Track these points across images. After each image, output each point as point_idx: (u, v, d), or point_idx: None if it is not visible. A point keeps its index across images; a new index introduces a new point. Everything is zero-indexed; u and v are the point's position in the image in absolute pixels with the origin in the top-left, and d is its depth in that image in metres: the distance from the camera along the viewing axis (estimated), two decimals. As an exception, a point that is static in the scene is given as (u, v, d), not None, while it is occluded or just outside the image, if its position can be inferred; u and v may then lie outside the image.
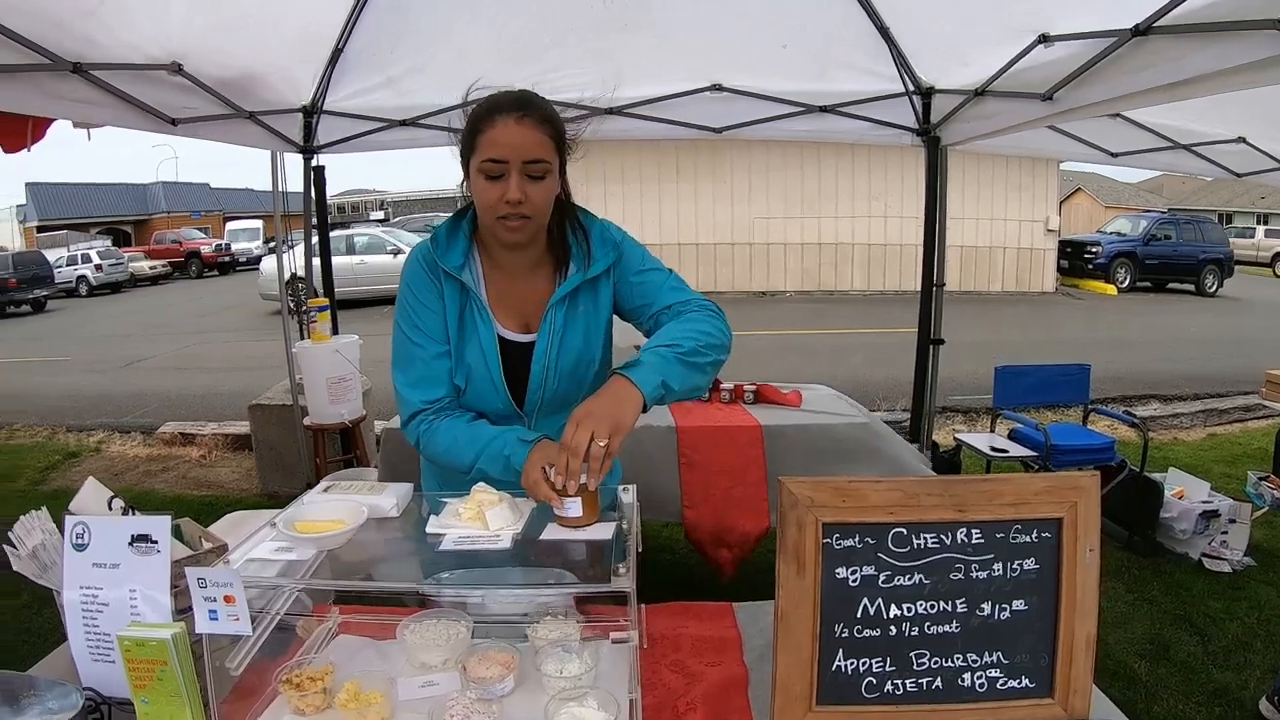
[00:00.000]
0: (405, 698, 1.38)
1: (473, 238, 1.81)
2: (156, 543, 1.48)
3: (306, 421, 4.96)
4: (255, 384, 6.94)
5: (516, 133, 1.61)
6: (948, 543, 1.29)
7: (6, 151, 5.02)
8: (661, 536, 4.62)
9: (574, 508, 1.46)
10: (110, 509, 1.66)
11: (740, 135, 4.74)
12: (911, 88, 4.23)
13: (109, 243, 33.78)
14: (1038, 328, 13.69)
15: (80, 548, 1.53)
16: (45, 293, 25.03)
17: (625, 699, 1.28)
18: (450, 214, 1.86)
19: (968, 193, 15.88)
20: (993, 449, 4.94)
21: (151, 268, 31.48)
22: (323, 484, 1.69)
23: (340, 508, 1.51)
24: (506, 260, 1.82)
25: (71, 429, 8.69)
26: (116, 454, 7.76)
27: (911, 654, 1.29)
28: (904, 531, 1.29)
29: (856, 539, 1.29)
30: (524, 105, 1.64)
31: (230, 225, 37.66)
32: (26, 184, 40.54)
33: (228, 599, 1.25)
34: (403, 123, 4.79)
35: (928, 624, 1.30)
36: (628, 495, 1.60)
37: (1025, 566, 1.30)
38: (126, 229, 42.92)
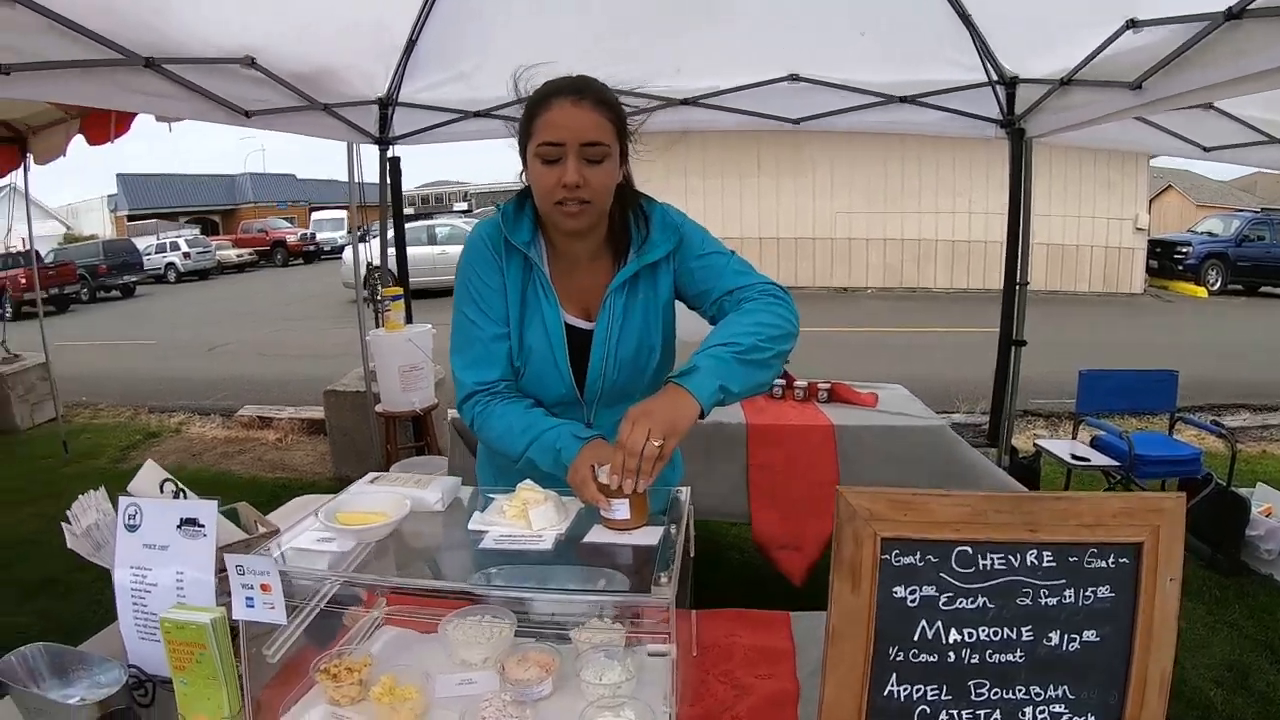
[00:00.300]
0: (442, 695, 1.35)
1: (537, 221, 1.76)
2: (203, 526, 1.50)
3: (379, 408, 5.02)
4: (333, 370, 7.05)
5: (574, 115, 1.57)
6: (1016, 565, 1.19)
7: (91, 143, 5.21)
8: (730, 535, 4.54)
9: (621, 510, 1.40)
10: (162, 491, 1.67)
11: (818, 127, 4.63)
12: (994, 77, 4.07)
13: (197, 231, 34.98)
14: (1125, 330, 13.19)
15: (132, 528, 1.55)
16: (134, 279, 26.02)
17: (663, 712, 1.22)
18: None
19: (1054, 189, 15.33)
20: (1073, 457, 4.75)
21: (238, 256, 32.42)
22: (370, 475, 1.67)
23: (384, 500, 1.49)
24: (567, 248, 1.77)
25: (154, 410, 8.99)
26: (196, 435, 8.00)
27: (970, 683, 1.20)
28: (969, 551, 1.19)
29: (917, 556, 1.20)
30: (581, 88, 1.60)
31: (315, 215, 38.38)
32: (117, 175, 42.28)
33: (264, 587, 1.23)
34: (476, 114, 4.81)
35: (990, 652, 1.19)
36: (683, 496, 1.53)
37: (1099, 594, 1.19)
38: (214, 218, 44.41)
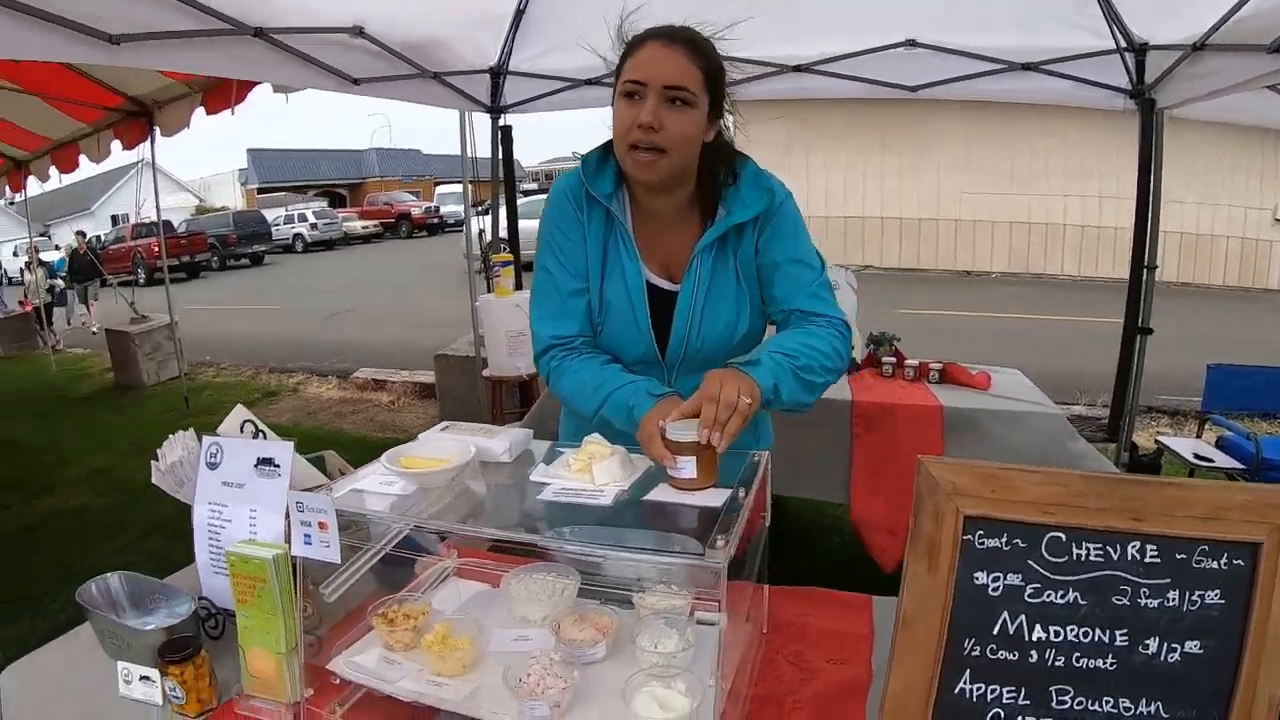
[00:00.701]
0: (496, 649, 1.32)
1: (621, 172, 1.68)
2: (279, 467, 1.52)
3: (486, 373, 5.08)
4: (448, 337, 7.20)
5: (661, 54, 1.52)
6: (1115, 558, 1.05)
7: (209, 113, 5.41)
8: (831, 517, 4.41)
9: (688, 468, 1.32)
10: (242, 432, 1.69)
11: (937, 95, 4.43)
12: (1123, 44, 3.79)
13: (324, 204, 36.32)
14: (1260, 328, 12.20)
15: (213, 466, 1.59)
16: (263, 248, 27.43)
17: (713, 688, 1.14)
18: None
19: (1187, 174, 14.29)
20: (1196, 456, 4.42)
21: (364, 228, 33.51)
22: (442, 424, 1.65)
23: (449, 447, 1.46)
24: (652, 204, 1.69)
25: (273, 370, 9.42)
26: (312, 395, 8.34)
27: (1053, 688, 1.06)
28: (1063, 537, 1.06)
29: (1004, 539, 1.07)
30: (675, 33, 1.54)
31: (440, 189, 38.94)
32: (247, 150, 44.33)
33: (321, 525, 1.22)
34: (586, 82, 4.79)
35: (1077, 655, 1.06)
36: (760, 460, 1.44)
37: (1207, 600, 1.04)
38: (341, 192, 46.09)
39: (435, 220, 34.49)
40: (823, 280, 1.72)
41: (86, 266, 14.47)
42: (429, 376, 7.54)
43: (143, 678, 1.35)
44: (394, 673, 1.29)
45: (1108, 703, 1.05)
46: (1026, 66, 4.07)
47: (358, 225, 33.47)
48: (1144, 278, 4.30)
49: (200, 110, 5.63)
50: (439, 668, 1.26)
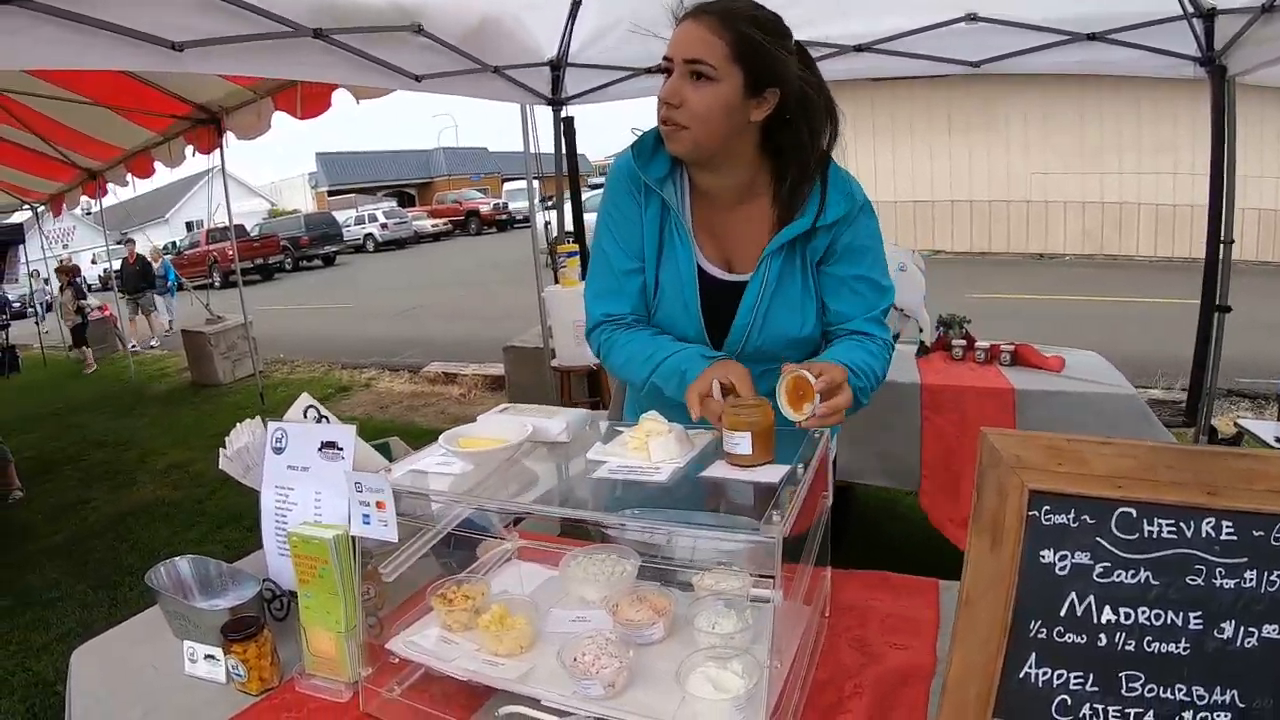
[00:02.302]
0: (554, 629, 1.31)
1: None
2: (342, 450, 1.53)
3: (554, 363, 5.09)
4: (517, 330, 7.29)
5: (686, 30, 1.50)
6: (1189, 535, 0.99)
7: (281, 109, 5.53)
8: (902, 505, 4.32)
9: (744, 444, 1.29)
10: (305, 417, 1.72)
11: (1002, 69, 4.31)
12: (1190, 9, 3.62)
13: (394, 204, 36.91)
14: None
15: (279, 450, 1.63)
16: (334, 249, 28.02)
17: (768, 665, 1.11)
18: None
19: (1266, 148, 13.65)
20: (1278, 440, 4.23)
21: (434, 226, 33.94)
22: (501, 406, 1.65)
23: (507, 427, 1.46)
24: (707, 185, 1.65)
25: (346, 366, 9.62)
26: (384, 389, 8.50)
27: (1122, 675, 1.00)
28: (1133, 513, 1.00)
29: (1071, 515, 1.02)
30: (706, 7, 1.50)
31: (507, 186, 39.06)
32: (316, 154, 45.44)
33: (379, 504, 1.24)
34: (648, 70, 4.77)
35: (1149, 639, 1.00)
36: (821, 438, 1.40)
37: None
38: (410, 191, 46.87)
39: (504, 216, 34.63)
40: (888, 306, 1.69)
41: (136, 277, 13.71)
42: (499, 369, 7.63)
43: (207, 656, 1.39)
44: (451, 652, 1.29)
45: (1180, 690, 0.99)
46: (1091, 36, 3.92)
47: (427, 224, 33.92)
48: (1220, 253, 4.11)
49: (279, 114, 5.73)
50: (495, 647, 1.26)
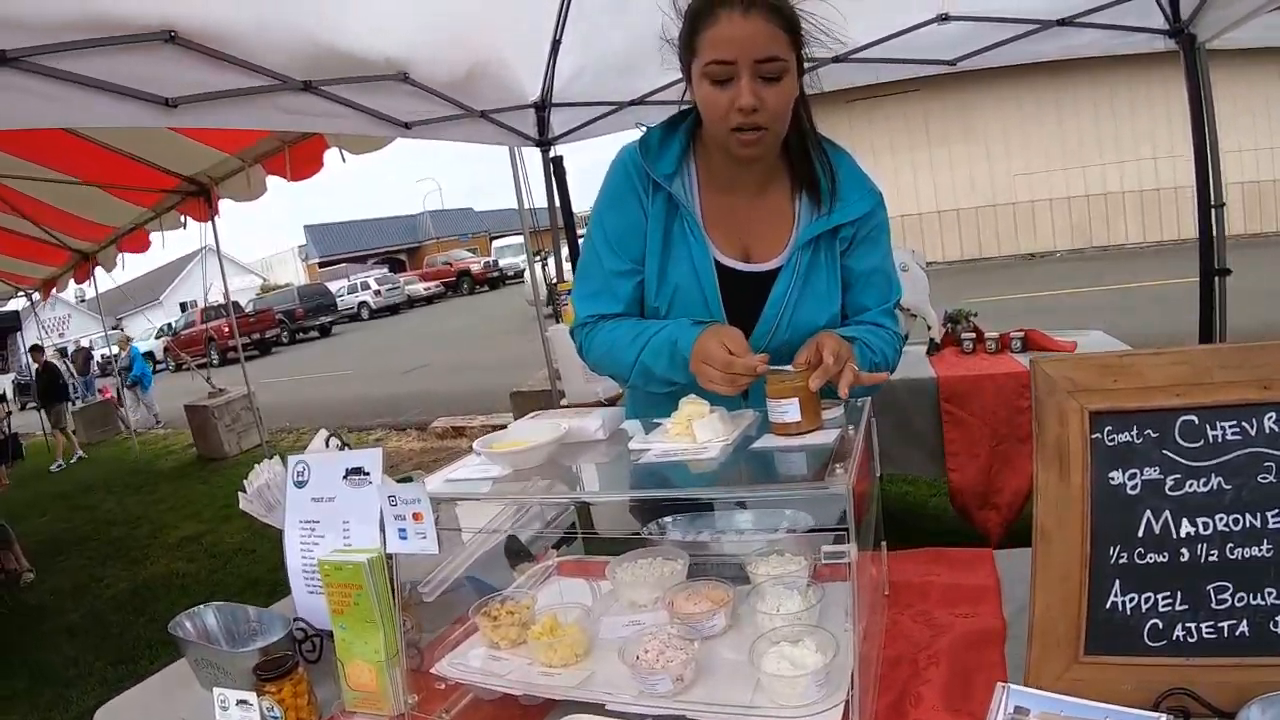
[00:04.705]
0: (608, 636, 1.25)
1: (689, 146, 1.61)
2: (368, 474, 1.49)
3: (564, 403, 5.02)
4: (521, 377, 7.23)
5: (743, 26, 1.38)
6: (1253, 433, 0.96)
7: (271, 171, 5.52)
8: (930, 505, 4.32)
9: (791, 410, 1.24)
10: (327, 447, 1.67)
11: (976, 64, 4.31)
12: None
13: (385, 270, 37.07)
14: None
15: (301, 484, 1.58)
16: (329, 319, 28.13)
17: (845, 637, 1.06)
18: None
19: (1243, 123, 13.62)
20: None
21: (426, 289, 34.10)
22: (533, 413, 1.60)
23: (542, 428, 1.41)
24: (730, 175, 1.60)
25: (353, 429, 9.56)
26: (393, 449, 8.44)
27: (1210, 588, 0.96)
28: (1195, 420, 0.97)
29: (1134, 432, 0.99)
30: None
31: (496, 243, 39.18)
32: (304, 226, 45.88)
33: (416, 516, 1.19)
34: (631, 103, 4.78)
35: (1230, 546, 0.96)
36: (863, 406, 1.36)
37: None
38: (400, 257, 47.16)
39: (495, 274, 34.79)
40: (898, 299, 1.70)
41: (51, 386, 11.78)
42: (507, 417, 7.54)
43: (240, 702, 1.29)
44: (503, 667, 1.23)
45: (1270, 594, 0.95)
46: (1062, 22, 3.93)
47: (420, 287, 34.09)
48: (1212, 217, 4.06)
49: (272, 178, 5.69)
50: (549, 658, 1.20)
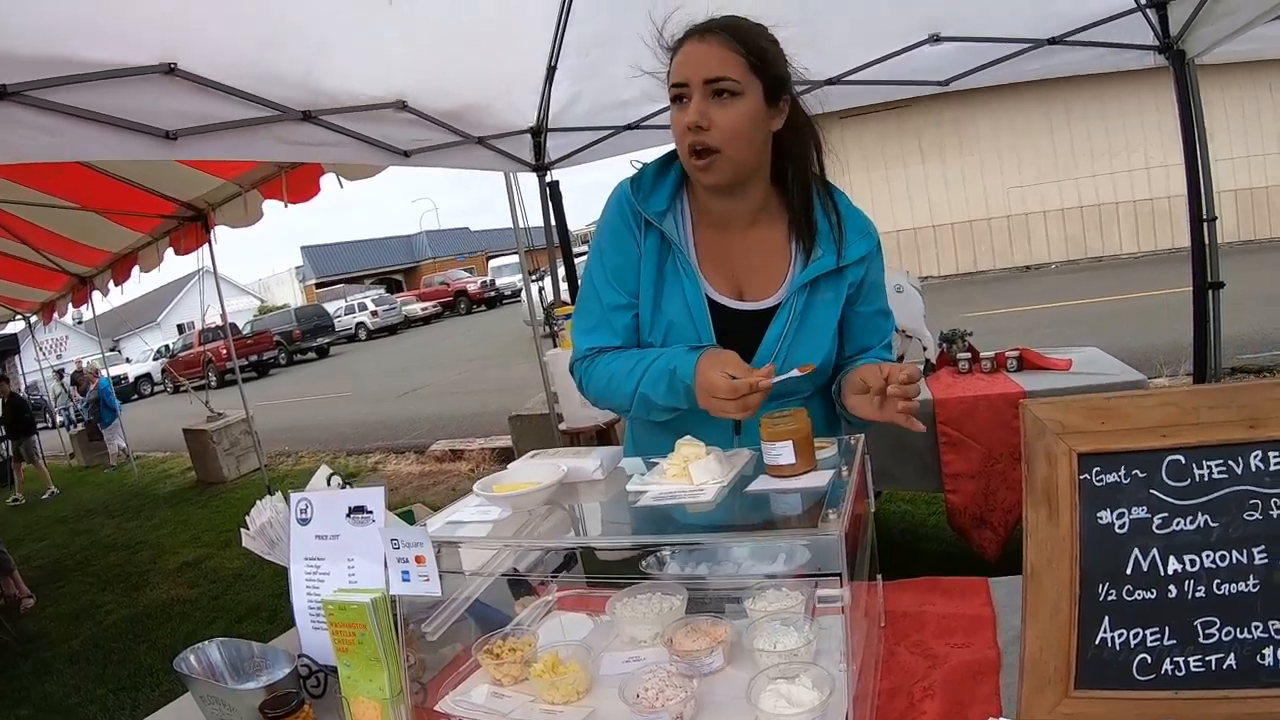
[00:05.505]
0: (609, 672, 1.27)
1: (682, 183, 1.64)
2: (372, 513, 1.49)
3: (562, 427, 5.04)
4: (519, 400, 7.29)
5: (698, 49, 1.47)
6: (1239, 471, 0.98)
7: (291, 202, 5.55)
8: (929, 526, 4.32)
9: (785, 454, 1.26)
10: (329, 485, 1.68)
11: (968, 84, 4.37)
12: (1143, 0, 3.69)
13: (383, 291, 37.10)
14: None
15: (304, 522, 1.58)
16: (327, 340, 28.14)
17: (841, 675, 1.08)
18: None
19: (1234, 129, 13.69)
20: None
21: (423, 309, 34.16)
22: (531, 453, 1.62)
23: (541, 470, 1.43)
24: (721, 211, 1.62)
25: (351, 453, 9.56)
26: (391, 472, 8.43)
27: (1197, 622, 0.99)
28: (1182, 459, 1.00)
29: (1122, 472, 1.02)
30: (710, 25, 1.49)
31: (493, 262, 39.18)
32: (301, 248, 45.93)
33: (418, 559, 1.20)
34: (627, 127, 4.83)
35: (1217, 582, 0.99)
36: (856, 443, 1.38)
37: None
38: (397, 277, 47.21)
39: (492, 294, 34.79)
40: (892, 330, 1.74)
41: (19, 419, 11.32)
42: (505, 440, 7.58)
43: (246, 739, 1.32)
44: (505, 705, 1.25)
45: (1256, 628, 0.98)
46: (1053, 41, 3.98)
47: (417, 308, 34.12)
48: (1205, 231, 4.10)
49: (269, 202, 5.74)
50: (551, 695, 1.22)
